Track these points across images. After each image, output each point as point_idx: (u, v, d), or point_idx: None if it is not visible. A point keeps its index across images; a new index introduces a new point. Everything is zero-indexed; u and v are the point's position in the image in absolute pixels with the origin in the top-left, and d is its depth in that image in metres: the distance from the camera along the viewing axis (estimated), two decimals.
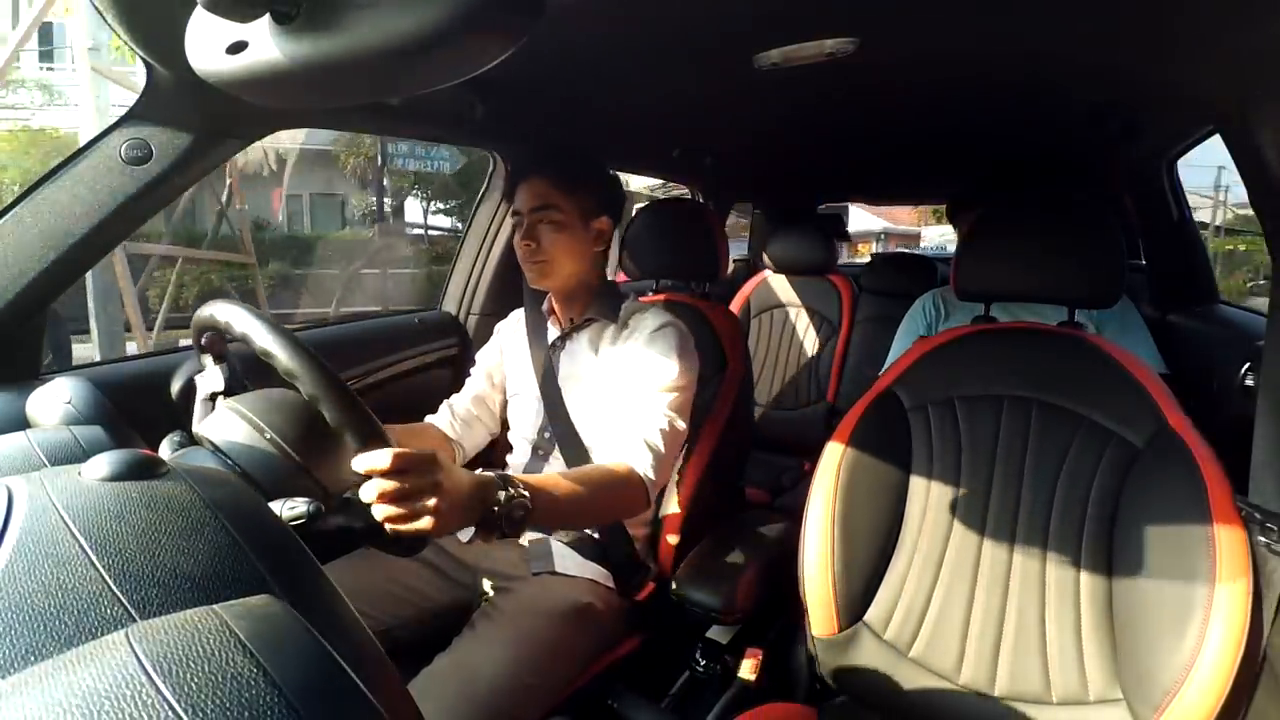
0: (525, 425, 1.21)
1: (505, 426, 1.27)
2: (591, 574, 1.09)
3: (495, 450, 1.34)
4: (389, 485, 0.67)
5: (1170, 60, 0.96)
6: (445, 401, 1.27)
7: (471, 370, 1.30)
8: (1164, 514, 0.80)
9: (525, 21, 0.36)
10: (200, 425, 0.73)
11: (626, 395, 1.08)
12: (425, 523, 0.69)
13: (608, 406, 1.11)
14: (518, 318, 1.29)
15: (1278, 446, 0.81)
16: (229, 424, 0.70)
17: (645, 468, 0.99)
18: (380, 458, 0.66)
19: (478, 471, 0.79)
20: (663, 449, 1.02)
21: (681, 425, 1.06)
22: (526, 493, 0.79)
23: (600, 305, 1.17)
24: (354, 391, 0.68)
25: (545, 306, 1.25)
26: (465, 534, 1.15)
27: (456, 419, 1.24)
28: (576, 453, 1.12)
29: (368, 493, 0.67)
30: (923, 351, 1.05)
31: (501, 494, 0.77)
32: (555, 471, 1.13)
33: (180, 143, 0.92)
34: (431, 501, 0.69)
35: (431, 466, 0.70)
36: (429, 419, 1.24)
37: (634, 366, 1.09)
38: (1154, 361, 1.43)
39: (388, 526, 0.69)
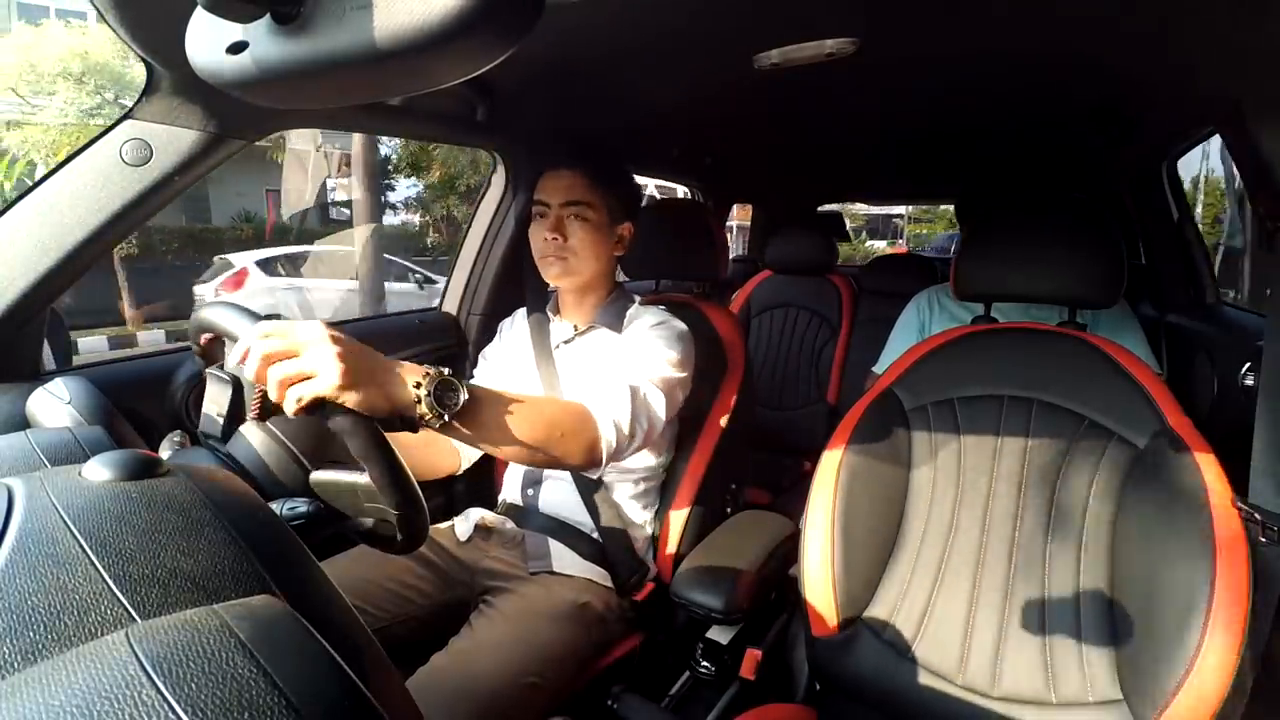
0: None
1: None
2: (590, 573, 1.09)
3: None
4: (259, 351, 0.60)
5: (1170, 60, 0.96)
6: None
7: (474, 372, 1.29)
8: (1164, 514, 0.80)
9: (525, 21, 0.36)
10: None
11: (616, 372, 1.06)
12: (329, 380, 0.61)
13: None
14: (521, 317, 1.28)
15: (1277, 448, 0.81)
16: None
17: (602, 416, 0.91)
18: (247, 335, 0.61)
19: None
20: (627, 408, 0.94)
21: (659, 400, 0.99)
22: (453, 376, 0.72)
23: (608, 312, 1.16)
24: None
25: (551, 306, 1.24)
26: (464, 533, 1.15)
27: None
28: None
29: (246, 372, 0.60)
30: (923, 352, 1.05)
31: (430, 370, 0.70)
32: (575, 497, 1.13)
33: (180, 143, 0.92)
34: (320, 356, 0.61)
35: (310, 324, 0.64)
36: None
37: (628, 352, 1.08)
38: (1148, 361, 1.44)
39: (286, 401, 0.61)
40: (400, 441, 0.66)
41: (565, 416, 0.88)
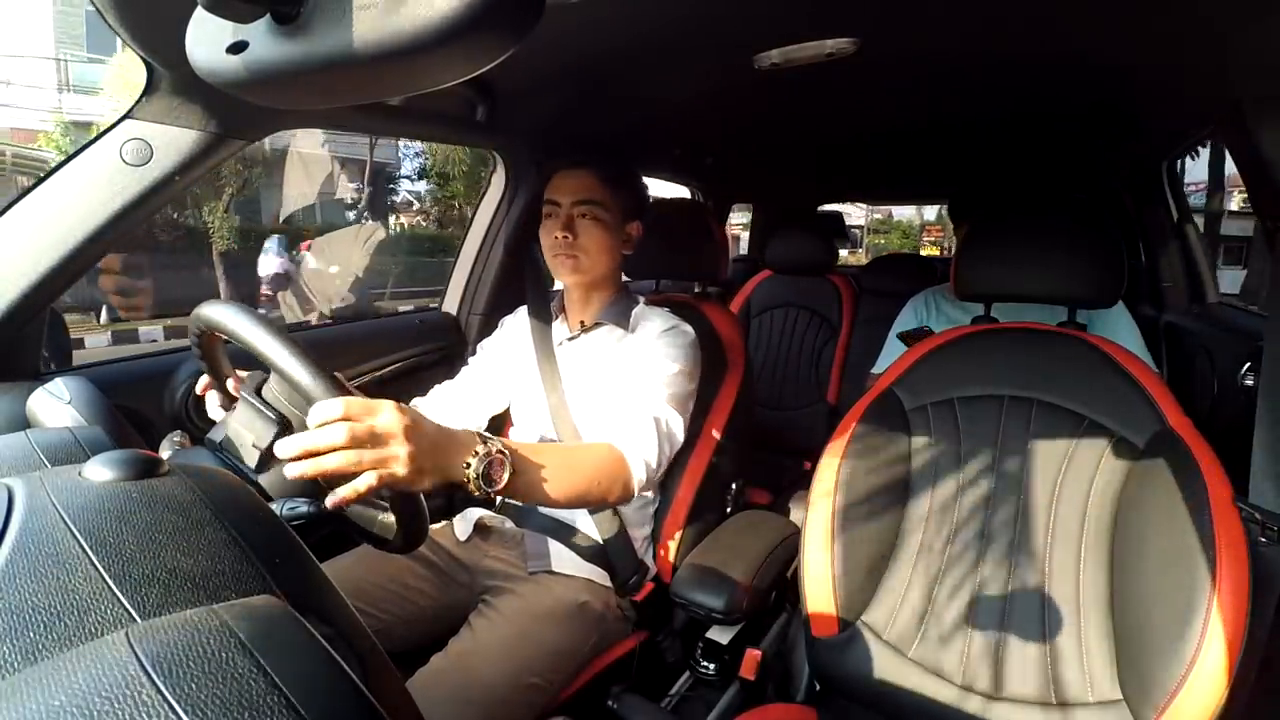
0: (528, 424, 1.20)
1: (509, 423, 1.26)
2: (589, 573, 1.09)
3: None
4: (346, 430, 0.61)
5: (1170, 60, 0.96)
6: (436, 387, 1.24)
7: (470, 360, 1.29)
8: (1165, 514, 0.80)
9: (526, 21, 0.36)
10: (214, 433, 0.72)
11: (627, 388, 1.07)
12: (400, 472, 0.64)
13: (611, 407, 1.11)
14: (523, 314, 1.28)
15: (1277, 448, 0.81)
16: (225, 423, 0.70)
17: (633, 456, 0.95)
18: (331, 407, 0.61)
19: (454, 429, 0.75)
20: (654, 442, 0.98)
21: (678, 424, 1.03)
22: (504, 451, 0.75)
23: (614, 310, 1.17)
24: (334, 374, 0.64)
25: (555, 304, 1.24)
26: (463, 533, 1.15)
27: (443, 410, 1.21)
28: None
29: (321, 439, 0.61)
30: (923, 352, 1.05)
31: (479, 448, 0.72)
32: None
33: (181, 143, 0.92)
34: (398, 449, 0.64)
35: (389, 409, 0.65)
36: (415, 402, 1.21)
37: (637, 362, 1.08)
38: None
39: (342, 492, 0.63)
40: None
41: (599, 467, 0.92)
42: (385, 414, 0.65)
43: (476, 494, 0.72)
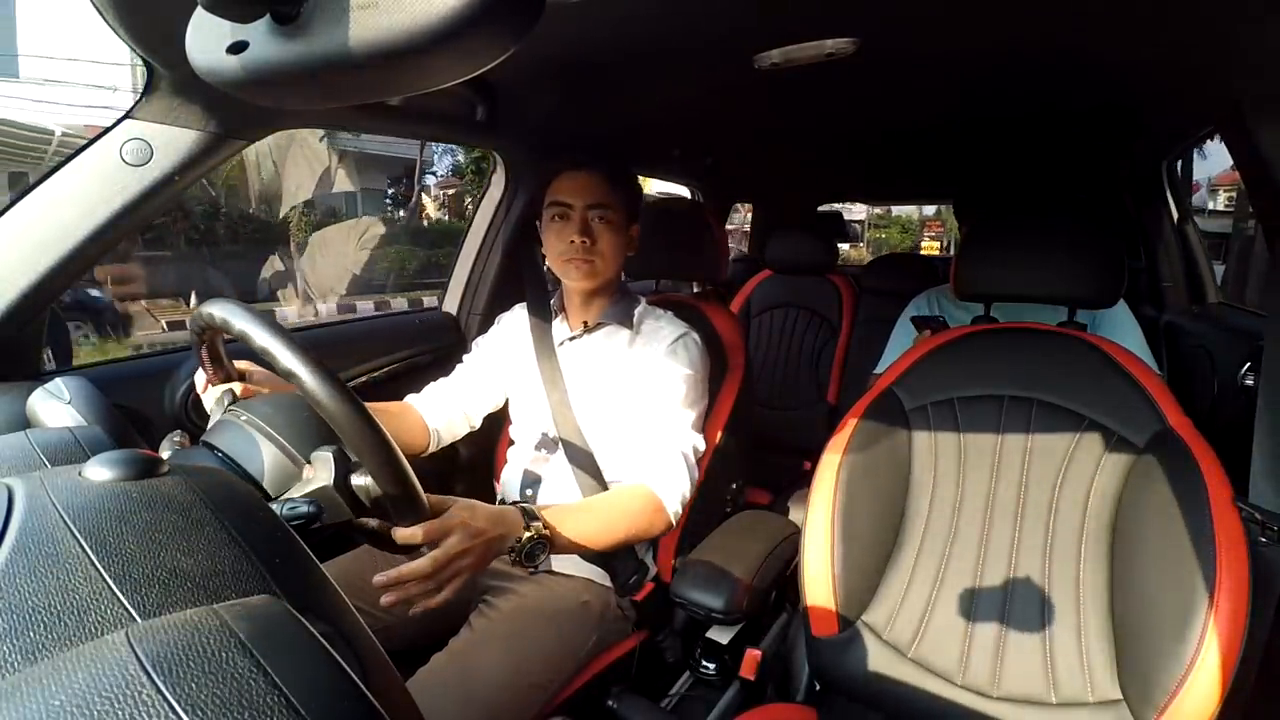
0: (528, 423, 1.20)
1: (507, 420, 1.26)
2: (589, 573, 1.09)
3: (498, 447, 1.34)
4: (430, 563, 0.70)
5: (1171, 59, 0.96)
6: (431, 385, 1.23)
7: (465, 358, 1.28)
8: (1165, 514, 0.80)
9: (526, 21, 0.36)
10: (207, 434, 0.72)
11: (645, 410, 1.07)
12: (465, 575, 0.74)
13: (620, 413, 1.10)
14: (520, 311, 1.27)
15: (1277, 448, 0.81)
16: (237, 432, 0.70)
17: (668, 496, 1.00)
18: (414, 534, 0.68)
19: (502, 507, 0.80)
20: (685, 475, 1.03)
21: (701, 443, 1.07)
22: (547, 531, 0.82)
23: (616, 310, 1.16)
24: (380, 427, 0.61)
25: (555, 304, 1.24)
26: None
27: (438, 405, 1.20)
28: (581, 454, 1.12)
29: (408, 571, 0.69)
30: (923, 351, 1.05)
31: (524, 534, 0.80)
32: (575, 496, 1.11)
33: (180, 143, 0.92)
34: (465, 561, 0.73)
35: (457, 525, 0.72)
36: (410, 398, 1.20)
37: (652, 380, 1.08)
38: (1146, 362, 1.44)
39: (421, 606, 0.73)
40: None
41: (636, 516, 0.97)
42: (457, 534, 0.72)
43: (514, 568, 0.81)
